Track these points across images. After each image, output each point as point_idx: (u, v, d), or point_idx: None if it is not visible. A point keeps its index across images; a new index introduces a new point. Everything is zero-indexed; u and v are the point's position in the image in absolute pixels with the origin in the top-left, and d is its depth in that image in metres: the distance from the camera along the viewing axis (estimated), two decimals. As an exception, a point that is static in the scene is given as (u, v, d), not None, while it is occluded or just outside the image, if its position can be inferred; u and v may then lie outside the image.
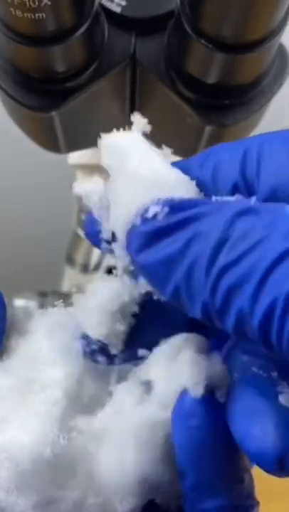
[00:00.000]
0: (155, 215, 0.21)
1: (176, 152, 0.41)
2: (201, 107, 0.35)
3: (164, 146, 0.24)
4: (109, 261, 0.68)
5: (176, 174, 0.23)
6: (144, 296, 0.24)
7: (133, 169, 0.23)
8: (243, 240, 0.19)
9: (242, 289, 0.18)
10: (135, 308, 0.24)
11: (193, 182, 0.23)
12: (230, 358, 0.24)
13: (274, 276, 0.18)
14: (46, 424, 0.24)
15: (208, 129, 0.36)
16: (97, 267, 0.61)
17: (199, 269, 0.19)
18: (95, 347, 0.25)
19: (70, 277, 0.80)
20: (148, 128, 0.25)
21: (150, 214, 0.21)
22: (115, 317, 0.24)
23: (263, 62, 0.34)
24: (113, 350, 0.25)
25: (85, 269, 0.60)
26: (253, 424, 0.21)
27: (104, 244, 0.25)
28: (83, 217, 0.53)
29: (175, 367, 0.24)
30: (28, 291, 0.64)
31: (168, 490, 0.25)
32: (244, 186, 0.23)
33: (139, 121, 0.25)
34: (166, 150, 0.24)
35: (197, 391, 0.23)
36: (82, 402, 0.26)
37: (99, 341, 0.25)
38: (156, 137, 0.42)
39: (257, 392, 0.22)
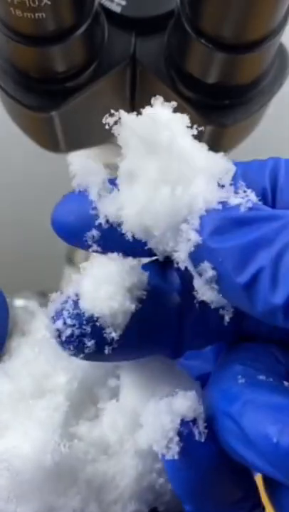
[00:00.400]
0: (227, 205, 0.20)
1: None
2: (201, 107, 0.35)
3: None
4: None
5: (216, 159, 0.22)
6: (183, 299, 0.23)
7: (184, 147, 0.22)
8: None
9: None
10: (143, 294, 0.23)
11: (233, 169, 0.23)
12: (232, 367, 0.23)
13: None
14: (47, 431, 0.23)
15: (208, 128, 0.36)
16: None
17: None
18: (85, 328, 0.22)
19: (70, 277, 0.80)
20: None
21: (234, 203, 0.20)
22: (127, 293, 0.22)
23: (263, 62, 0.34)
24: (113, 333, 0.22)
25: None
26: (272, 423, 0.20)
27: (93, 240, 0.23)
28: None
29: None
30: (28, 291, 0.64)
31: (171, 498, 0.25)
32: (271, 195, 0.23)
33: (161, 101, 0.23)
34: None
35: (171, 452, 0.22)
36: (84, 408, 0.25)
37: (96, 320, 0.22)
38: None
39: (270, 393, 0.21)
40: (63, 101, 0.35)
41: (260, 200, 0.22)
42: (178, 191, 0.21)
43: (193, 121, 0.36)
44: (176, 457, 0.22)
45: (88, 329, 0.22)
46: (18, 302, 0.62)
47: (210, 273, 0.21)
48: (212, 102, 0.35)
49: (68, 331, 0.22)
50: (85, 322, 0.22)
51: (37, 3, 0.29)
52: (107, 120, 0.22)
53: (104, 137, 0.42)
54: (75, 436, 0.24)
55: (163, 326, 0.23)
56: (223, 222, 0.20)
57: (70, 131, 0.37)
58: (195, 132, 0.23)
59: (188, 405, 0.22)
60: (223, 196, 0.21)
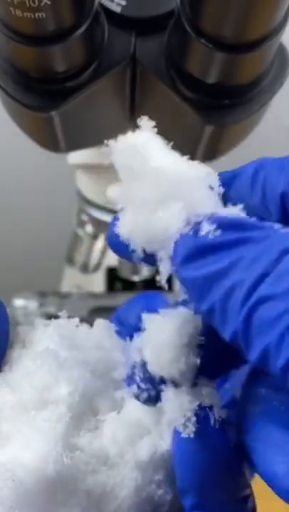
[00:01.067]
0: (199, 231, 0.21)
1: (176, 151, 0.41)
2: (201, 107, 0.35)
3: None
4: (109, 261, 0.68)
5: (197, 169, 0.23)
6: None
7: (157, 168, 0.22)
8: (286, 277, 0.18)
9: (273, 327, 0.18)
10: (201, 339, 0.23)
11: (216, 174, 0.23)
12: (246, 390, 0.24)
13: None
14: (50, 442, 0.24)
15: (208, 128, 0.36)
16: (97, 267, 0.61)
17: (237, 295, 0.19)
18: (159, 388, 0.24)
19: (70, 277, 0.80)
20: (154, 131, 0.24)
21: (201, 230, 0.20)
22: (189, 349, 0.23)
23: (263, 62, 0.34)
24: (186, 385, 0.24)
25: (85, 269, 0.60)
26: (282, 463, 0.21)
27: (137, 254, 0.23)
28: (83, 217, 0.53)
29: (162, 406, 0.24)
30: (28, 291, 0.64)
31: (169, 510, 0.25)
32: None
33: (147, 123, 0.24)
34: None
35: (187, 430, 0.23)
36: (85, 419, 0.26)
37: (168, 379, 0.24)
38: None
39: (281, 428, 0.22)
40: (63, 101, 0.35)
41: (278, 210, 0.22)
42: (156, 215, 0.22)
43: (193, 121, 0.36)
44: (191, 435, 0.23)
45: (163, 387, 0.24)
46: (18, 302, 0.62)
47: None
48: (212, 102, 0.35)
49: (144, 394, 0.24)
50: (158, 384, 0.24)
51: (37, 3, 0.29)
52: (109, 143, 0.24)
53: (105, 137, 0.42)
54: (76, 447, 0.24)
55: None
56: (192, 250, 0.21)
57: (70, 131, 0.37)
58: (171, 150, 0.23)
59: (206, 391, 0.23)
60: (199, 216, 0.21)
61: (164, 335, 0.23)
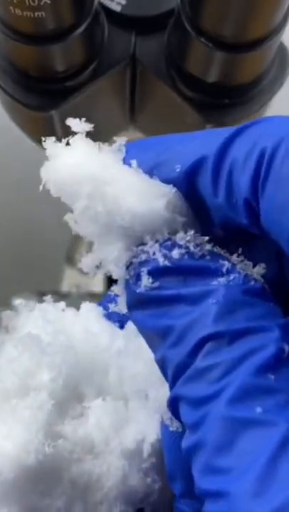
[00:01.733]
0: (139, 280, 0.21)
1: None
2: (202, 106, 0.35)
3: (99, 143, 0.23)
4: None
5: (131, 176, 0.21)
6: None
7: (85, 200, 0.21)
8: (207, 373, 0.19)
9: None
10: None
11: (157, 180, 0.21)
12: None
13: None
14: (31, 430, 0.23)
15: (208, 127, 0.36)
16: (96, 267, 0.61)
17: (168, 368, 0.20)
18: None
19: (70, 277, 0.80)
20: (89, 129, 0.24)
21: (140, 281, 0.20)
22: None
23: (264, 62, 0.34)
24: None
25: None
26: None
27: None
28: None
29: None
30: (28, 291, 0.64)
31: (158, 499, 0.24)
32: (255, 203, 0.20)
33: (79, 126, 0.24)
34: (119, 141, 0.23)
35: (174, 424, 0.23)
36: (70, 406, 0.25)
37: None
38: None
39: None
40: (63, 100, 0.35)
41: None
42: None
43: (193, 121, 0.36)
44: (180, 430, 0.22)
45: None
46: (18, 302, 0.62)
47: None
48: (212, 101, 0.35)
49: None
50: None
51: (36, 2, 0.29)
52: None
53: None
54: (59, 435, 0.24)
55: None
56: (134, 300, 0.21)
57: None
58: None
59: None
60: (141, 256, 0.21)
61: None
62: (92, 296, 0.66)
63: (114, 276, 0.21)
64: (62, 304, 0.28)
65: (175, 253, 0.20)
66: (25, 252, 1.15)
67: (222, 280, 0.20)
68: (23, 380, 0.24)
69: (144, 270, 0.20)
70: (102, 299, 0.28)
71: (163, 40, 0.35)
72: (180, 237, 0.21)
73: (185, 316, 0.20)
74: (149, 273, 0.20)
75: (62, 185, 0.22)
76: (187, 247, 0.20)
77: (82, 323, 0.27)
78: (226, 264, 0.20)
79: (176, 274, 0.20)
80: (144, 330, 0.21)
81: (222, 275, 0.20)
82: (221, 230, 0.22)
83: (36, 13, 0.29)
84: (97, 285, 0.76)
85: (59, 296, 0.65)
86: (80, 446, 0.24)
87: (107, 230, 0.21)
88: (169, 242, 0.21)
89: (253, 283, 0.20)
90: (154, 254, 0.20)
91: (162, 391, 0.23)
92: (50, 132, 0.37)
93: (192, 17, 0.32)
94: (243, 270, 0.21)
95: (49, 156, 0.23)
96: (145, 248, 0.21)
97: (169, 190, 0.21)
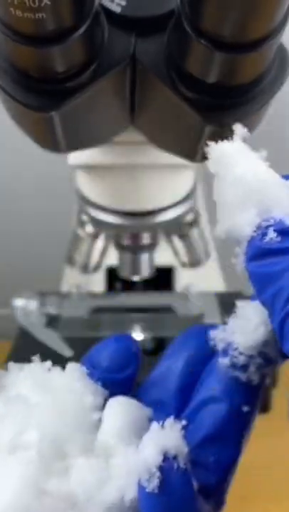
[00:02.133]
0: (265, 235, 0.25)
1: (176, 152, 0.41)
2: (202, 107, 0.35)
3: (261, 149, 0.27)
4: (109, 261, 0.68)
5: (279, 185, 0.26)
6: None
7: (238, 176, 0.26)
8: None
9: None
10: None
11: None
12: None
13: None
14: (18, 487, 0.24)
15: (208, 128, 0.36)
16: (97, 267, 0.61)
17: (281, 298, 0.24)
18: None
19: (70, 277, 0.80)
20: (248, 136, 0.27)
21: (266, 236, 0.25)
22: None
23: (264, 62, 0.34)
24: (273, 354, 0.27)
25: (85, 269, 0.60)
26: None
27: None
28: (83, 217, 0.53)
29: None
30: (28, 291, 0.64)
31: None
32: None
33: (241, 130, 0.27)
34: (263, 152, 0.27)
35: (151, 486, 0.24)
36: (55, 464, 0.26)
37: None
38: (156, 137, 0.42)
39: None
40: (63, 101, 0.35)
41: None
42: (236, 218, 0.26)
43: (193, 121, 0.36)
44: (156, 491, 0.24)
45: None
46: (18, 302, 0.62)
47: None
48: (212, 102, 0.35)
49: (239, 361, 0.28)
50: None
51: (37, 3, 0.29)
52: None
53: (105, 137, 0.42)
54: (45, 491, 0.25)
55: None
56: (256, 252, 0.25)
57: (70, 131, 0.37)
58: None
59: (171, 443, 0.24)
60: (269, 221, 0.25)
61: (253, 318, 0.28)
62: (92, 297, 0.66)
63: (241, 238, 0.26)
64: (48, 363, 0.29)
65: None
66: (25, 251, 1.15)
67: None
68: (11, 439, 0.25)
69: (271, 228, 0.25)
70: (80, 361, 0.30)
71: (163, 41, 0.35)
72: None
73: None
74: (275, 231, 0.24)
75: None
76: None
77: (67, 383, 0.28)
78: None
79: None
80: (258, 278, 0.25)
81: None
82: None
83: (37, 15, 0.29)
84: (97, 285, 0.76)
85: (59, 296, 0.65)
86: (63, 502, 0.25)
87: (245, 198, 0.25)
88: None
89: None
90: (279, 220, 0.25)
91: (137, 453, 0.24)
92: (51, 133, 0.37)
93: (192, 18, 0.32)
94: None
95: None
96: (273, 215, 0.25)
97: None
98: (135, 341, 0.30)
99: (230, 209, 0.26)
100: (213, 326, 0.30)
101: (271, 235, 0.24)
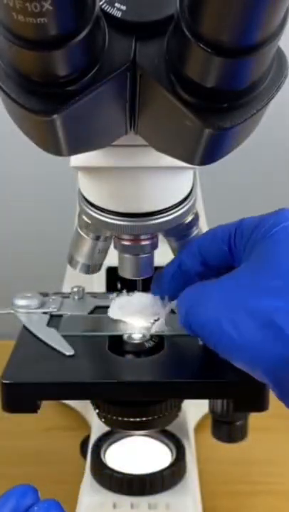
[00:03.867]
0: None
1: (175, 155, 0.41)
2: (200, 110, 0.35)
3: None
4: (109, 261, 0.68)
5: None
6: None
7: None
8: None
9: None
10: None
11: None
12: None
13: None
14: None
15: (206, 131, 0.36)
16: (98, 268, 0.61)
17: None
18: None
19: (71, 277, 0.80)
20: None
21: None
22: None
23: (262, 66, 0.35)
24: None
25: (86, 269, 0.60)
26: None
27: None
28: (84, 218, 0.53)
29: None
30: (28, 291, 0.64)
31: None
32: None
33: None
34: None
35: None
36: None
37: None
38: (155, 140, 0.42)
39: None
40: (65, 104, 0.35)
41: None
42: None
43: (192, 125, 0.36)
44: None
45: None
46: (19, 302, 0.62)
47: None
48: (211, 106, 0.35)
49: None
50: None
51: (39, 8, 0.29)
52: None
53: (106, 140, 0.42)
54: None
55: None
56: None
57: (71, 134, 0.38)
58: None
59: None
60: None
61: None
62: (92, 296, 0.67)
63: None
64: None
65: None
66: (25, 251, 1.15)
67: None
68: None
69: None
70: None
71: (163, 46, 0.36)
72: None
73: None
74: None
75: None
76: None
77: None
78: None
79: None
80: None
81: None
82: None
83: (38, 19, 0.30)
84: (97, 285, 0.76)
85: (60, 296, 0.66)
86: None
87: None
88: None
89: None
90: None
91: None
92: (52, 136, 0.37)
93: (191, 23, 0.32)
94: None
95: None
96: None
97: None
98: (36, 492, 0.30)
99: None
100: None
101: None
